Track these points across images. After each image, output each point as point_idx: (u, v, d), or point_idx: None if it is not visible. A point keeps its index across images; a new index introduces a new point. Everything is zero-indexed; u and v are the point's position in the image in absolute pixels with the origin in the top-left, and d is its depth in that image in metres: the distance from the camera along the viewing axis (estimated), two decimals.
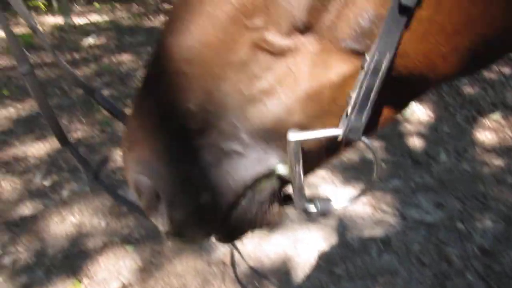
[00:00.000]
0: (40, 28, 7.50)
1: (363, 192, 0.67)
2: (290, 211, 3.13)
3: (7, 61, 6.83)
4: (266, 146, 0.57)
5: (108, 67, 6.30)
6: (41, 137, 4.25)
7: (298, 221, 3.07)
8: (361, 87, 0.51)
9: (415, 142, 4.13)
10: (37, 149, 4.02)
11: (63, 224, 3.02)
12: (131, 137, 0.63)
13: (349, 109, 0.53)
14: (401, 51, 0.50)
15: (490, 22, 0.50)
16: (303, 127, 0.56)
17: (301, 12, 0.49)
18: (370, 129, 0.59)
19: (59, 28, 9.08)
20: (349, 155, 3.89)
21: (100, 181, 0.95)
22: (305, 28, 0.50)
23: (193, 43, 0.54)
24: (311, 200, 0.65)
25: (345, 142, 0.56)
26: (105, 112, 4.76)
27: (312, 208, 0.64)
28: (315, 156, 0.60)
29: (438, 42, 0.50)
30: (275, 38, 0.51)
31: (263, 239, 2.92)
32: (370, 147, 0.59)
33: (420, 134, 4.28)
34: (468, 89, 5.17)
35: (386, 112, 0.60)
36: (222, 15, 0.51)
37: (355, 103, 0.53)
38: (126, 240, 2.88)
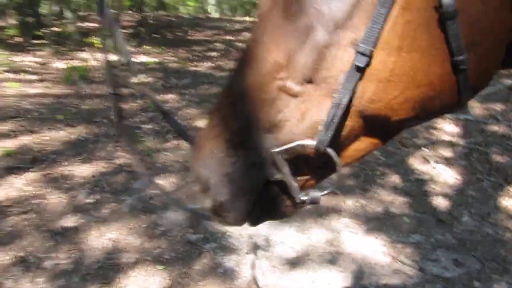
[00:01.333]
0: (95, 63, 8.13)
1: (331, 189, 0.87)
2: (312, 250, 3.28)
3: (62, 89, 7.37)
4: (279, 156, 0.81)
5: (153, 104, 6.71)
6: (87, 160, 4.59)
7: (319, 261, 3.22)
8: (329, 115, 0.75)
9: (440, 202, 4.24)
10: (83, 170, 4.34)
11: (100, 238, 3.26)
12: (198, 144, 0.89)
13: (320, 128, 0.76)
14: (361, 96, 0.74)
15: (429, 83, 0.73)
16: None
17: (307, 72, 0.75)
18: (340, 146, 0.80)
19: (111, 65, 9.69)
20: (373, 207, 4.04)
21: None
22: (309, 80, 0.76)
23: (245, 83, 0.80)
24: (304, 193, 0.85)
25: (318, 152, 0.78)
26: (148, 143, 5.10)
27: (303, 197, 0.84)
28: (306, 162, 0.82)
29: (387, 93, 0.74)
30: (292, 86, 0.77)
31: (284, 274, 3.07)
32: (334, 156, 0.78)
33: (446, 195, 4.39)
34: (498, 158, 5.27)
35: (367, 140, 0.83)
36: (263, 69, 0.78)
37: (325, 125, 0.75)
38: (157, 259, 3.08)
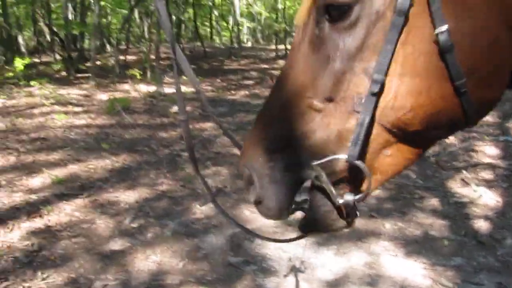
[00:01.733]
0: (136, 94, 8.52)
1: (364, 197, 0.96)
2: (352, 273, 3.30)
3: (106, 120, 7.72)
4: (309, 162, 0.93)
5: (192, 133, 6.93)
6: (131, 186, 4.80)
7: (359, 283, 3.24)
8: (355, 131, 0.87)
9: (481, 225, 4.19)
10: (128, 196, 4.54)
11: (146, 261, 3.40)
12: (244, 148, 1.05)
13: (349, 144, 0.89)
14: (380, 115, 0.87)
15: (431, 102, 0.86)
16: (328, 152, 0.92)
17: (328, 92, 0.90)
18: (368, 160, 0.92)
19: (151, 96, 10.09)
20: (412, 230, 4.03)
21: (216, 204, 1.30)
22: (330, 99, 0.90)
23: (281, 100, 0.98)
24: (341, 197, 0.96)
25: (349, 164, 0.90)
26: (188, 170, 5.28)
27: (341, 201, 0.94)
28: (345, 172, 0.94)
29: (398, 111, 0.86)
30: (317, 103, 0.92)
31: None
32: (363, 168, 0.89)
33: (487, 217, 4.33)
34: None
35: (406, 150, 0.94)
36: (295, 89, 0.95)
37: (353, 141, 0.88)
38: (200, 281, 3.19)
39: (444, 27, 0.80)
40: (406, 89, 0.85)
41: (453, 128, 0.95)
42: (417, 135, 0.90)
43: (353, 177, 0.94)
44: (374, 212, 4.35)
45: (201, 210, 4.25)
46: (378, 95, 0.85)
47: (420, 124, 0.88)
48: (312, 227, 1.03)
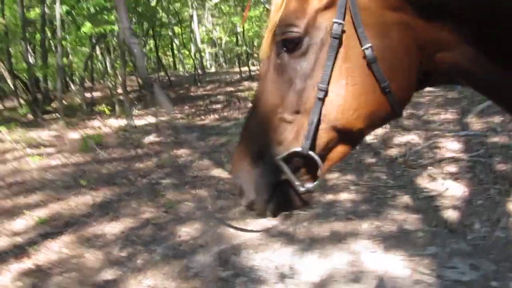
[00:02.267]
0: (107, 129, 8.62)
1: (319, 181, 1.18)
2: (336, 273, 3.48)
3: (81, 157, 7.78)
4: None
5: (168, 160, 7.07)
6: (115, 218, 4.90)
7: (344, 281, 3.44)
8: (308, 129, 1.10)
9: (451, 214, 4.46)
10: (113, 227, 4.64)
11: (139, 286, 3.52)
12: (232, 162, 1.26)
13: (302, 139, 1.12)
14: (327, 116, 1.10)
15: (369, 104, 1.10)
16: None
17: (295, 106, 1.12)
18: (323, 151, 1.14)
19: (122, 129, 10.18)
20: (388, 226, 4.27)
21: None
22: (297, 111, 1.12)
23: (258, 118, 1.19)
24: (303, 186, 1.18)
25: (304, 155, 1.12)
26: (168, 196, 5.42)
27: (302, 188, 1.16)
28: (300, 164, 1.16)
29: (343, 112, 1.10)
30: (287, 116, 1.14)
31: None
32: (314, 156, 1.12)
33: (455, 207, 4.61)
34: (501, 166, 5.51)
35: (341, 145, 1.17)
36: (268, 108, 1.16)
37: (305, 136, 1.11)
38: None
39: (368, 45, 1.04)
40: (349, 94, 1.08)
41: (387, 119, 1.19)
42: (357, 131, 1.14)
43: (309, 166, 1.16)
44: (351, 215, 4.58)
45: (186, 232, 4.39)
46: (323, 100, 1.08)
47: (361, 121, 1.11)
48: (280, 211, 1.25)
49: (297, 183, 1.15)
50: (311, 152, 1.11)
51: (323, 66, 1.08)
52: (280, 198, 1.20)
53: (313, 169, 1.16)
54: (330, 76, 1.07)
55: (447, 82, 1.25)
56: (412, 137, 7.42)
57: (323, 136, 1.12)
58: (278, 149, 1.15)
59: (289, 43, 1.10)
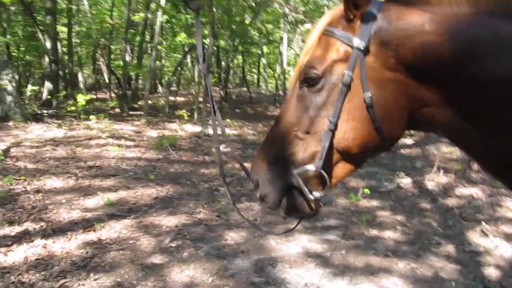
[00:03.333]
0: (182, 133, 9.30)
1: (326, 193, 1.47)
2: None
3: (154, 154, 8.46)
4: (293, 171, 1.46)
5: (230, 171, 7.52)
6: (173, 213, 5.38)
7: None
8: (321, 152, 1.40)
9: (491, 272, 4.46)
10: (169, 220, 5.12)
11: (180, 274, 3.92)
12: (253, 162, 1.59)
13: (317, 160, 1.41)
14: (336, 143, 1.40)
15: (363, 136, 1.39)
16: (304, 165, 1.45)
17: (306, 128, 1.44)
18: (330, 169, 1.44)
19: (196, 135, 10.85)
20: (423, 270, 4.36)
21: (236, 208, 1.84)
22: (308, 132, 1.43)
23: (278, 132, 1.52)
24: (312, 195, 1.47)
25: (316, 172, 1.42)
26: (224, 203, 5.83)
27: (311, 196, 1.46)
28: (313, 176, 1.46)
29: (345, 141, 1.40)
30: (300, 135, 1.45)
31: None
32: (324, 174, 1.41)
33: (499, 267, 4.59)
34: None
35: (345, 165, 1.47)
36: (286, 125, 1.49)
37: (319, 157, 1.41)
38: None
39: (368, 94, 1.35)
40: (350, 128, 1.40)
41: (376, 151, 1.49)
42: (355, 155, 1.45)
43: (319, 181, 1.46)
44: (390, 252, 4.71)
45: (232, 237, 4.76)
46: (333, 130, 1.40)
47: (357, 148, 1.42)
48: (292, 212, 1.56)
49: (306, 190, 1.45)
50: (322, 171, 1.42)
51: (333, 103, 1.40)
52: (291, 200, 1.51)
53: (321, 183, 1.46)
54: (340, 113, 1.39)
55: (428, 131, 1.52)
56: (476, 191, 7.31)
57: (331, 157, 1.44)
58: (290, 159, 1.47)
59: (310, 80, 1.44)
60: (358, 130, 1.40)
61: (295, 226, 1.74)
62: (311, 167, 1.43)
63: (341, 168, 1.49)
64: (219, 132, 1.93)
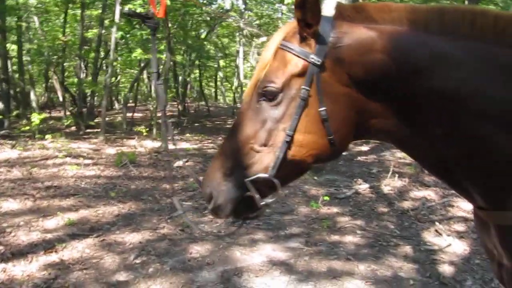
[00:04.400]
0: (142, 149, 9.21)
1: (275, 198, 1.59)
2: None
3: (114, 172, 8.37)
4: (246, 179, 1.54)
5: (192, 185, 7.54)
6: (136, 229, 5.37)
7: None
8: (275, 162, 1.50)
9: (446, 269, 4.69)
10: (132, 237, 5.10)
11: None
12: (206, 173, 1.63)
13: (270, 169, 1.50)
14: (290, 154, 1.49)
15: (317, 147, 1.50)
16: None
17: (263, 141, 1.52)
18: (280, 176, 1.51)
19: (155, 151, 10.80)
20: (383, 271, 4.54)
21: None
22: (265, 145, 1.51)
23: (233, 144, 1.56)
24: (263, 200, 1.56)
25: (269, 180, 1.50)
26: (185, 219, 5.85)
27: (262, 203, 1.54)
28: (265, 184, 1.53)
29: (300, 152, 1.50)
30: (256, 147, 1.52)
31: None
32: (276, 182, 1.49)
33: (452, 263, 4.84)
34: None
35: (294, 174, 1.60)
36: (243, 137, 1.54)
37: (272, 167, 1.49)
38: None
39: (323, 108, 1.46)
40: (306, 140, 1.49)
41: (329, 159, 1.60)
42: (307, 165, 1.55)
43: (269, 187, 1.54)
44: (351, 256, 4.87)
45: (197, 250, 4.80)
46: (289, 142, 1.49)
47: (311, 158, 1.52)
48: (243, 214, 1.64)
49: (258, 197, 1.53)
50: (274, 179, 1.50)
51: (290, 117, 1.47)
52: (241, 208, 1.58)
53: (272, 189, 1.56)
54: (296, 126, 1.47)
55: (379, 139, 1.66)
56: (429, 193, 7.65)
57: (284, 167, 1.51)
58: (246, 171, 1.52)
59: (268, 94, 1.50)
60: (313, 142, 1.49)
61: (239, 227, 1.83)
62: (263, 175, 1.50)
63: (290, 176, 1.59)
64: (172, 147, 2.00)
